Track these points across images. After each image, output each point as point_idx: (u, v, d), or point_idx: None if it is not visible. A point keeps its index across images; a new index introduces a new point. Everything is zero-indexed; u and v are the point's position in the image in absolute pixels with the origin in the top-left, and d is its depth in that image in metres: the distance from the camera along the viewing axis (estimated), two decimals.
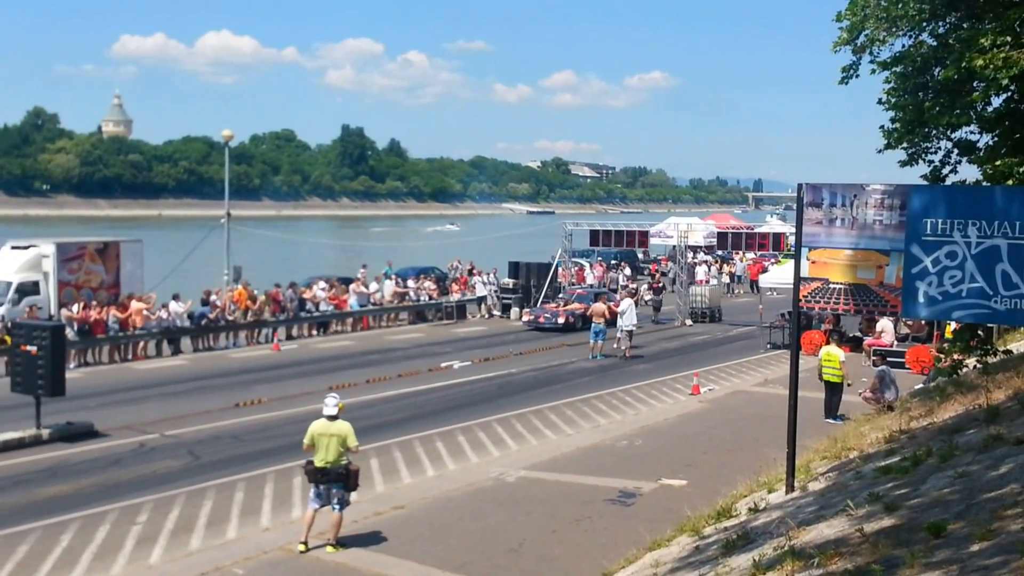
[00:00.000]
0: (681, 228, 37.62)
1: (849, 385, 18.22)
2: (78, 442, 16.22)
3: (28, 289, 25.10)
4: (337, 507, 11.12)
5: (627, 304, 26.61)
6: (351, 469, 11.12)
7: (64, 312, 23.94)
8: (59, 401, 16.70)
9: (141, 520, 12.26)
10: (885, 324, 24.13)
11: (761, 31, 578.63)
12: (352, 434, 11.14)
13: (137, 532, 11.83)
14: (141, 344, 25.25)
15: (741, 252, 45.18)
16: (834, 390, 17.96)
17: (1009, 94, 12.10)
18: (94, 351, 24.33)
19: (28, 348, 16.03)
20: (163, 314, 25.71)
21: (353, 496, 11.60)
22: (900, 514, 7.08)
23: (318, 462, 11.06)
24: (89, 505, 12.85)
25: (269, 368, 23.95)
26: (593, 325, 26.18)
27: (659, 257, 52.01)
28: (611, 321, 26.60)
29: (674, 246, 37.96)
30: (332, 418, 11.12)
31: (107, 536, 11.66)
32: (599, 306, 26.92)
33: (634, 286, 39.15)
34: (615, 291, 35.85)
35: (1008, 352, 13.76)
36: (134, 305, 25.03)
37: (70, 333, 22.01)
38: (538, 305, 33.38)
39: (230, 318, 27.48)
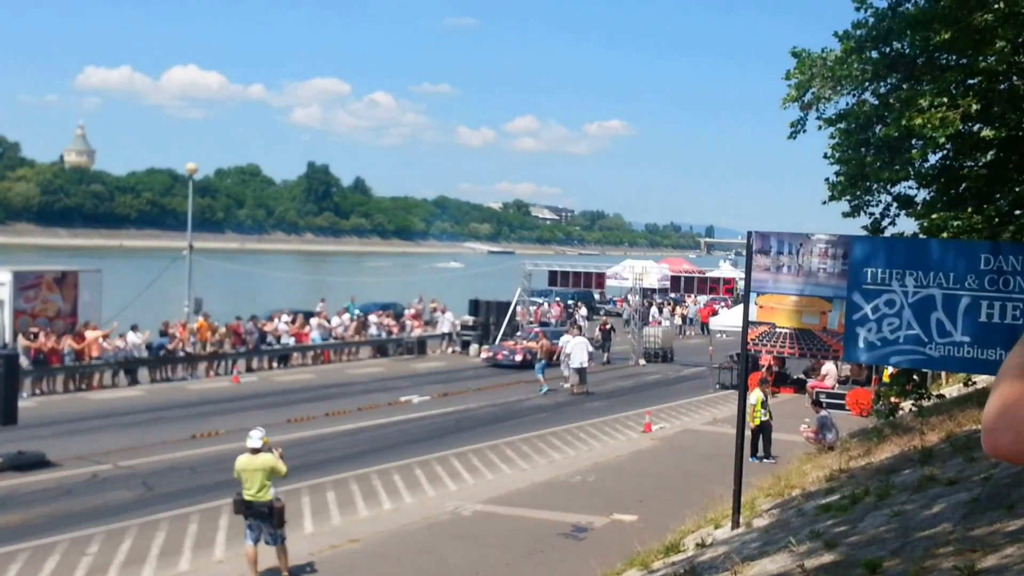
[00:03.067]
0: (636, 271, 38.30)
1: (752, 427, 18.31)
2: (29, 472, 16.01)
3: None
4: (271, 542, 11.12)
5: (574, 343, 27.00)
6: (276, 506, 11.07)
7: (21, 341, 23.69)
8: (11, 430, 16.56)
9: (92, 551, 12.10)
10: (829, 368, 24.80)
11: (715, 86, 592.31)
12: (278, 464, 11.15)
13: (87, 563, 11.67)
14: (97, 374, 25.03)
15: (693, 295, 45.88)
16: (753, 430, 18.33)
17: (945, 152, 12.60)
18: (49, 380, 24.06)
19: None
20: (120, 344, 25.56)
21: (309, 528, 11.63)
22: (839, 551, 7.24)
23: (245, 495, 11.07)
24: (39, 535, 12.68)
25: (228, 400, 23.83)
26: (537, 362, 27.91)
27: (615, 299, 52.62)
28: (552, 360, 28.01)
29: (630, 288, 38.62)
30: (256, 451, 11.14)
31: (56, 567, 11.50)
32: (542, 343, 28.87)
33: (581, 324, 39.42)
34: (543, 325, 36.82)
35: (941, 396, 14.17)
36: (90, 335, 24.87)
37: (24, 362, 21.79)
38: (497, 342, 33.69)
39: (189, 350, 27.40)
